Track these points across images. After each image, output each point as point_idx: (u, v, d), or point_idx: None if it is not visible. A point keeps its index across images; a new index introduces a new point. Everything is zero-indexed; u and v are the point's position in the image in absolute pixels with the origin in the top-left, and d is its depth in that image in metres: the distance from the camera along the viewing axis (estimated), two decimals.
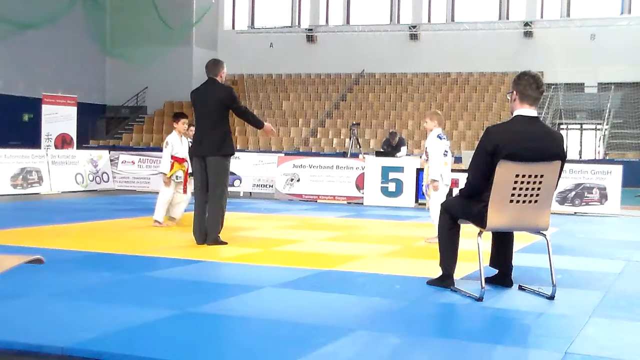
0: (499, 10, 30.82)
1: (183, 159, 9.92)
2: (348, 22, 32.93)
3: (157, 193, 10.23)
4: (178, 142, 9.98)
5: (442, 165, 8.44)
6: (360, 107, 29.76)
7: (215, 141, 7.90)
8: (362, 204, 14.52)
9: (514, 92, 5.36)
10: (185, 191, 10.03)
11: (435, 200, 8.30)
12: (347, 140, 20.08)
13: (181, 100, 32.38)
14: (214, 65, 8.16)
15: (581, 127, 29.00)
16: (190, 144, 9.72)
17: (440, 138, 8.49)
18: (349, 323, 4.52)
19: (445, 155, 8.46)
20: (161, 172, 10.15)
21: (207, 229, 7.91)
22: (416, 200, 14.14)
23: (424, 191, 8.80)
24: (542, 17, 30.22)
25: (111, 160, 17.36)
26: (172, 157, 9.93)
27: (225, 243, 7.91)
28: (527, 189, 5.24)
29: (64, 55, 29.92)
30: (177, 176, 9.96)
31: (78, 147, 19.98)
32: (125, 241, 8.17)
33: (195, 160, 8.10)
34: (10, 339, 3.95)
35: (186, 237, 8.22)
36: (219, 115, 7.93)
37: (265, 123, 8.33)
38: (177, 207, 10.06)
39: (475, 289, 5.39)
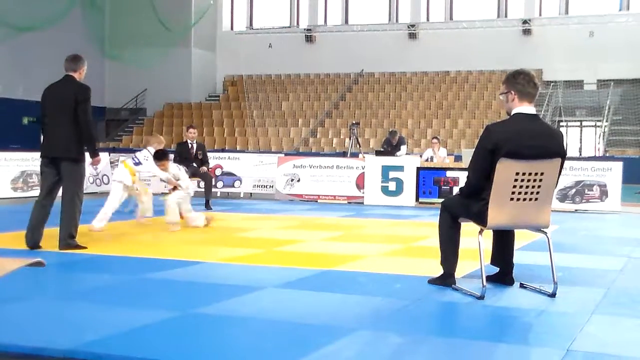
0: (497, 8, 30.84)
1: None
2: (347, 21, 32.94)
3: (157, 194, 10.21)
4: None
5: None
6: (360, 107, 29.76)
7: (69, 143, 7.31)
8: (363, 203, 14.50)
9: (512, 92, 5.36)
10: None
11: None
12: (347, 140, 20.07)
13: (180, 102, 32.41)
14: (72, 61, 7.61)
15: (581, 124, 29.00)
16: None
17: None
18: (350, 323, 4.52)
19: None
20: None
21: (60, 232, 7.32)
22: (417, 199, 14.14)
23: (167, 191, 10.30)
24: (540, 15, 30.25)
25: (111, 163, 17.33)
26: None
27: (85, 247, 7.40)
28: (527, 186, 5.23)
29: (63, 58, 29.64)
30: None
31: None
32: (126, 243, 8.16)
33: (44, 161, 7.43)
34: (11, 342, 3.94)
35: (186, 238, 8.21)
36: (74, 114, 7.35)
37: (98, 156, 7.68)
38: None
39: (476, 287, 5.38)
